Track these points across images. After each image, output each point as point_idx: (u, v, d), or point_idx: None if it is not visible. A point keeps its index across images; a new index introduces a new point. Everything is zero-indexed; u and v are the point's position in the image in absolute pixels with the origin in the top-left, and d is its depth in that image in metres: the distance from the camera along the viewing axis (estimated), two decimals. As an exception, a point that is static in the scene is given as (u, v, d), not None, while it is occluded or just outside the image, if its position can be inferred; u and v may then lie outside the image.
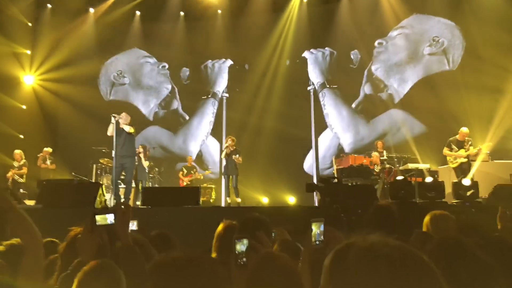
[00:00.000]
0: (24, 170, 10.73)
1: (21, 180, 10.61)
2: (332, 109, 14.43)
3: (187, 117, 15.27)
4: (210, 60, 15.31)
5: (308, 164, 14.22)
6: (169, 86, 15.42)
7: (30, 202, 7.45)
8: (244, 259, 1.96)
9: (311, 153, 14.17)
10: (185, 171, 12.38)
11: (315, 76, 14.77)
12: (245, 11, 13.77)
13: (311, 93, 14.60)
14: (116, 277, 1.93)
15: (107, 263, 1.97)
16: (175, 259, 1.32)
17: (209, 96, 15.24)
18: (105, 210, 2.48)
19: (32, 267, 1.89)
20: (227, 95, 15.16)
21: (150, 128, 14.89)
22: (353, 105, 14.06)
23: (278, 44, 14.08)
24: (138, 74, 15.53)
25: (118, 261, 2.07)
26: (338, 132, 14.18)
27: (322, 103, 14.43)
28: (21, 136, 12.68)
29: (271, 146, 12.94)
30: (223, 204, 10.18)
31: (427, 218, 3.33)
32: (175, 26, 14.41)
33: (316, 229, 2.20)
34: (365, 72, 13.98)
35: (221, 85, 15.32)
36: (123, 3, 13.72)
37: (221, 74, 15.38)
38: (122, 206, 2.32)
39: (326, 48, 14.57)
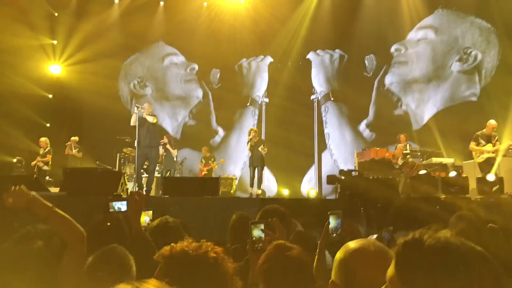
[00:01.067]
0: (48, 157, 10.92)
1: (46, 168, 10.81)
2: (334, 130, 12.52)
3: (221, 133, 13.13)
4: (245, 59, 13.43)
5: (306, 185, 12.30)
6: (200, 93, 13.51)
7: (55, 190, 7.60)
8: (261, 244, 1.97)
9: (311, 171, 12.43)
10: (204, 161, 12.42)
11: (318, 83, 12.76)
12: (266, 2, 13.09)
13: (315, 104, 12.68)
14: (125, 262, 1.95)
15: (118, 248, 2.00)
16: (183, 249, 1.33)
17: (248, 104, 13.26)
18: (119, 197, 2.53)
19: (74, 263, 1.90)
20: (267, 100, 13.08)
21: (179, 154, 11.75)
22: (364, 123, 12.16)
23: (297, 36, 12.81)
24: (161, 83, 13.71)
25: (131, 247, 2.11)
26: (337, 160, 12.40)
27: (324, 119, 12.61)
28: (48, 125, 12.98)
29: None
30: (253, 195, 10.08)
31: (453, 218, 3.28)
32: (198, 18, 13.74)
33: (334, 221, 2.19)
34: (375, 83, 12.09)
35: (261, 87, 13.26)
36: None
37: (260, 74, 13.32)
38: (136, 196, 2.37)
39: (336, 50, 12.74)
